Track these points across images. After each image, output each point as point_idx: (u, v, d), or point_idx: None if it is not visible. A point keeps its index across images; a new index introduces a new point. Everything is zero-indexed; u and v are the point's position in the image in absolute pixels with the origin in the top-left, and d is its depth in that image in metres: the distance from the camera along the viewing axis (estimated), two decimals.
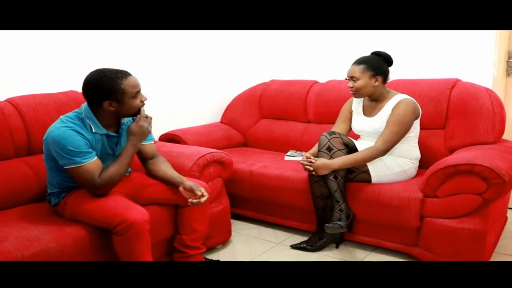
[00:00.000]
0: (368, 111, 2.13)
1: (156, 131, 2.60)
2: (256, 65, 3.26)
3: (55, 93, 2.05)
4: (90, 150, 1.62)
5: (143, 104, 1.70)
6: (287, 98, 2.84)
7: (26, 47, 2.10)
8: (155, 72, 2.71)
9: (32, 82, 2.13)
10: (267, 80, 3.08)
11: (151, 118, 1.72)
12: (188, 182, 1.76)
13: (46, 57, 2.18)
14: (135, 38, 2.57)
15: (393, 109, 1.99)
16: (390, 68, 2.09)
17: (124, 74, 1.61)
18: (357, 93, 2.04)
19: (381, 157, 2.00)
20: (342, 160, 1.94)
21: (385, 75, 2.04)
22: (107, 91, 1.58)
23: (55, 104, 1.99)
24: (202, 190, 1.73)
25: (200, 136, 2.70)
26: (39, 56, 2.15)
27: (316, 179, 2.06)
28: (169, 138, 2.65)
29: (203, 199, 1.72)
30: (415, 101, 2.04)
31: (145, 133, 1.69)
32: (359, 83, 2.00)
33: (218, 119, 3.11)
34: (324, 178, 2.00)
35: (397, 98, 2.03)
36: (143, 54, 2.63)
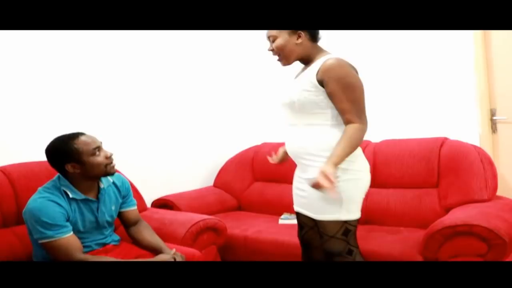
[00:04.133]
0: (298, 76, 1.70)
1: (149, 197, 2.58)
2: (247, 129, 3.31)
3: (47, 161, 2.05)
4: (66, 224, 1.58)
5: (110, 161, 1.67)
6: None
7: (20, 114, 2.13)
8: (147, 136, 2.74)
9: (25, 150, 2.12)
10: (259, 143, 3.12)
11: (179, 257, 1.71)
12: (163, 255, 1.71)
13: (40, 125, 2.20)
14: (128, 102, 2.63)
15: (322, 77, 1.51)
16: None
17: (76, 135, 1.65)
18: (282, 58, 1.64)
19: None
20: (336, 156, 1.46)
21: (310, 30, 1.61)
22: (63, 154, 1.61)
23: (47, 172, 1.96)
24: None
25: (193, 201, 2.66)
26: (32, 124, 2.17)
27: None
28: (162, 203, 2.61)
29: None
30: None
31: None
32: (278, 42, 1.60)
33: (211, 182, 3.09)
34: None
35: (323, 58, 1.56)
36: (135, 118, 2.67)
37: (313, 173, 1.50)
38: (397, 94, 2.66)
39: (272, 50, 1.64)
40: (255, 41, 3.26)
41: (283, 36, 1.60)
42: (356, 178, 1.56)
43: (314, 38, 1.64)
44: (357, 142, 1.50)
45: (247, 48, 3.29)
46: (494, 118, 2.52)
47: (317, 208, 1.57)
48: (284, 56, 1.63)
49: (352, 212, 1.56)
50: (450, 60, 2.51)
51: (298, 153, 1.62)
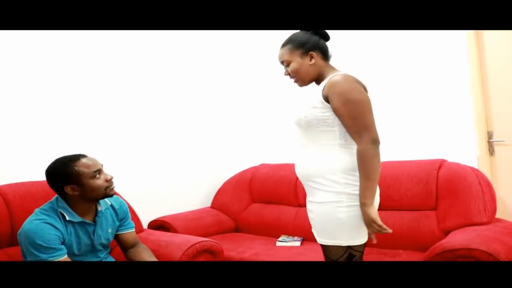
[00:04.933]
0: None
1: (146, 217, 2.55)
2: (245, 150, 3.32)
3: (44, 181, 2.03)
4: (61, 247, 1.56)
5: (110, 184, 1.67)
6: (277, 182, 2.85)
7: (16, 135, 2.14)
8: (144, 156, 2.74)
9: (22, 170, 2.12)
10: (257, 164, 3.12)
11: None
12: None
13: (37, 145, 2.20)
14: (126, 123, 2.64)
15: (327, 92, 1.49)
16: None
17: (77, 157, 1.65)
18: (298, 80, 1.64)
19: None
20: (363, 197, 1.45)
21: (321, 49, 1.61)
22: (63, 176, 1.60)
23: (43, 192, 1.96)
24: None
25: (190, 222, 2.64)
26: (29, 144, 2.18)
27: None
28: (159, 224, 2.58)
29: None
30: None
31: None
32: (292, 66, 1.61)
33: (209, 204, 3.07)
34: None
35: (332, 75, 1.55)
36: (132, 138, 2.67)
37: (323, 197, 1.50)
38: (395, 116, 2.68)
39: (288, 74, 1.64)
40: (253, 62, 3.30)
41: (296, 60, 1.60)
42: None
43: (326, 57, 1.63)
44: (369, 167, 1.43)
45: (246, 70, 3.33)
46: (491, 140, 2.53)
47: (320, 232, 1.54)
48: (300, 78, 1.62)
49: (355, 238, 1.51)
50: (447, 82, 2.54)
51: (305, 175, 1.58)
